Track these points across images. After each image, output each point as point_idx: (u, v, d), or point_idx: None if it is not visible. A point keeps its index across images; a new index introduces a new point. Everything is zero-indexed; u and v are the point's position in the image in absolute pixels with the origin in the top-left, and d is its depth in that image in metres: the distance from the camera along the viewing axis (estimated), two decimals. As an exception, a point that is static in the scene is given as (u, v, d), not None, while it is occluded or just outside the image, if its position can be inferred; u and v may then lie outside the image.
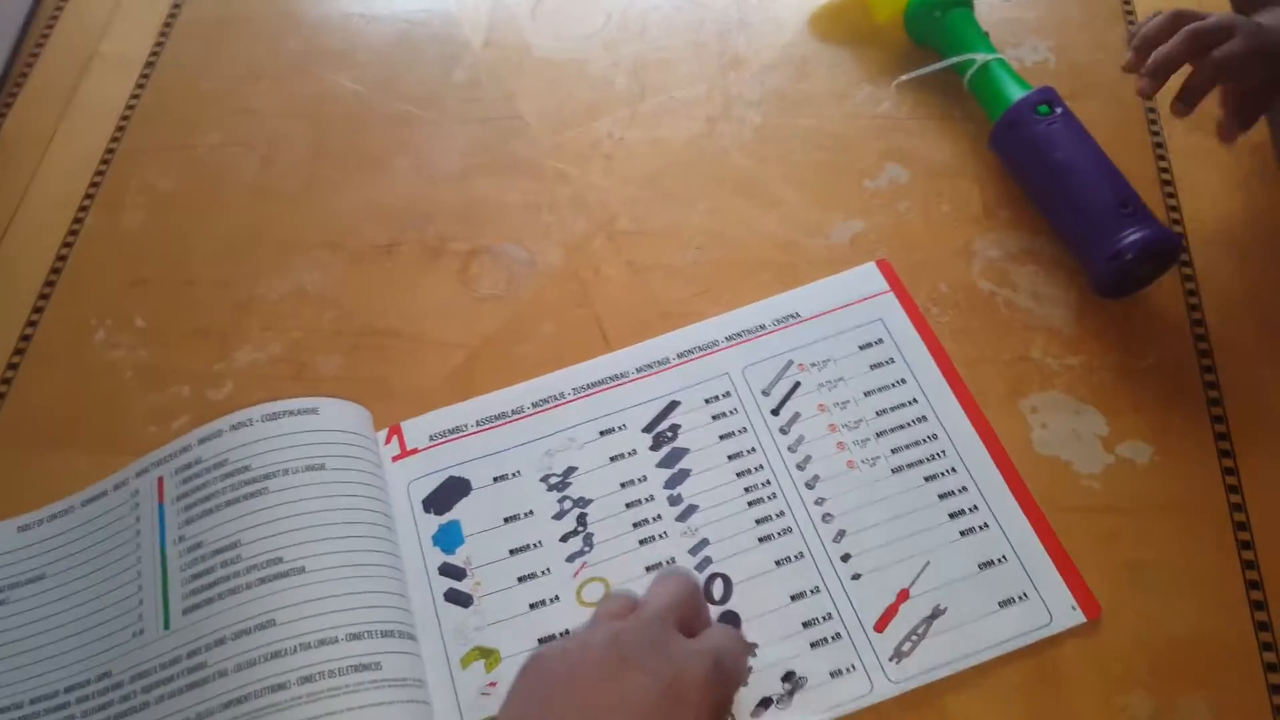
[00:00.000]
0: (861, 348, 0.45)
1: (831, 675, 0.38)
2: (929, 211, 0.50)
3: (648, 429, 0.44)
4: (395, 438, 0.44)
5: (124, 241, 0.53)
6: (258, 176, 0.54)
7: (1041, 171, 0.47)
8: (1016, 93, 0.48)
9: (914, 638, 0.39)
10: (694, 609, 0.35)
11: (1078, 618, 0.39)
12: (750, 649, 0.35)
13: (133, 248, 0.52)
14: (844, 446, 0.43)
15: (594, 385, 0.46)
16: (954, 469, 0.42)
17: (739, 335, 0.46)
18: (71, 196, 0.54)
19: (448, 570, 0.41)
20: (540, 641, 0.39)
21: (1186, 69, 0.45)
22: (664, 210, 0.51)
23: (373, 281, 0.50)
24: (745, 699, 0.38)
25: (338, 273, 0.50)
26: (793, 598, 0.40)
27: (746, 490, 0.42)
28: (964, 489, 0.42)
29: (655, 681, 0.30)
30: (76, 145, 0.56)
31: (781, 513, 0.42)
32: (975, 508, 0.41)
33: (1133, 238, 0.43)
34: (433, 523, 0.42)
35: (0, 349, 0.49)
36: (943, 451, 0.43)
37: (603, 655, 0.31)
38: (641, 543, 0.41)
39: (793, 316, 0.47)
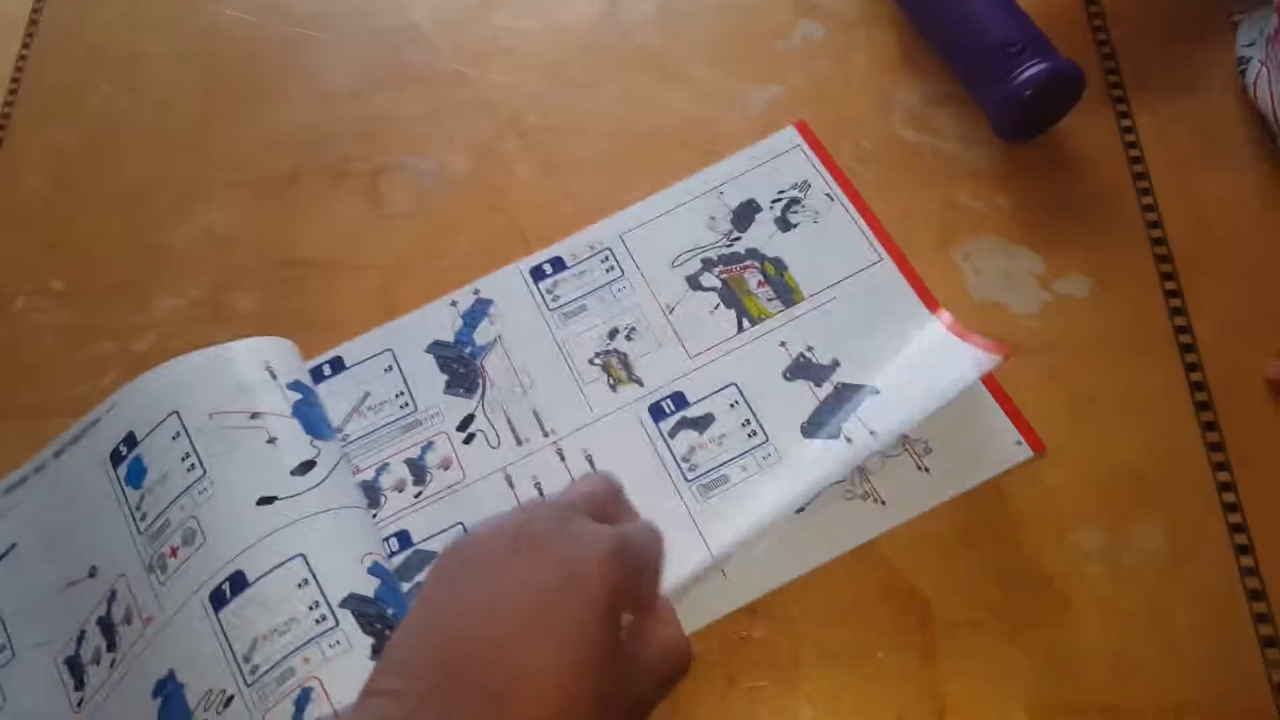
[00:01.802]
0: (787, 215, 0.43)
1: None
2: (846, 67, 0.47)
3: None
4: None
5: (31, 205, 0.50)
6: (154, 122, 0.51)
7: (931, 15, 0.44)
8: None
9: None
10: (612, 506, 0.34)
11: (1024, 453, 0.37)
12: (661, 540, 0.33)
13: (40, 210, 0.50)
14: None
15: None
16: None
17: (660, 219, 0.44)
18: (-28, 167, 0.52)
19: None
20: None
21: None
22: (571, 101, 0.48)
23: (281, 213, 0.48)
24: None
25: (245, 209, 0.48)
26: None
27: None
28: (900, 344, 0.40)
29: (554, 562, 0.29)
30: (-30, 114, 0.54)
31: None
32: (914, 361, 0.40)
33: (1024, 76, 0.40)
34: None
35: (-81, 330, 0.48)
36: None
37: (508, 541, 0.30)
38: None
39: (715, 193, 0.44)
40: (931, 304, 0.41)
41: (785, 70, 0.47)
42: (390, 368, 0.43)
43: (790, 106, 0.46)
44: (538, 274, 0.44)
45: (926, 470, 0.38)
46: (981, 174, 0.43)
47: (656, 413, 0.40)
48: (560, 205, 0.46)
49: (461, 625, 0.28)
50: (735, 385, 0.40)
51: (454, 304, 0.44)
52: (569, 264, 0.44)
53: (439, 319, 0.43)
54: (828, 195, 0.43)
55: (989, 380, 0.39)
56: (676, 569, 0.37)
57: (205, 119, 0.51)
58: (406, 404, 0.42)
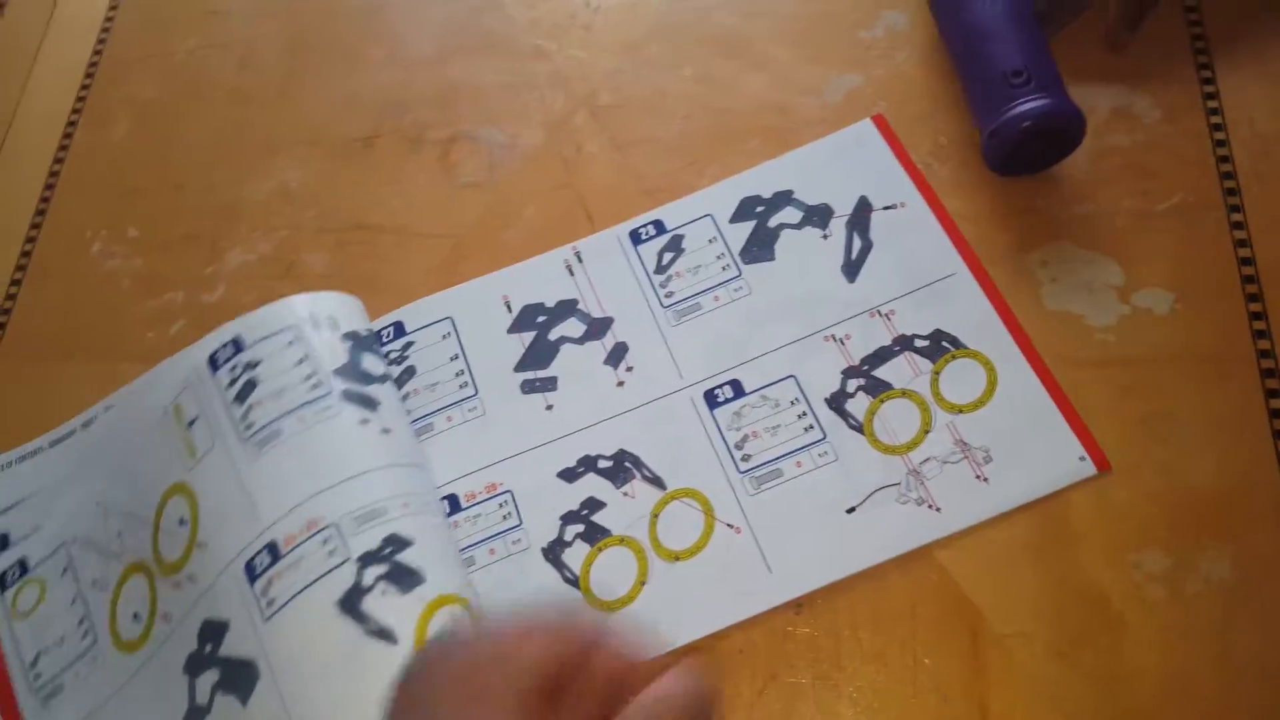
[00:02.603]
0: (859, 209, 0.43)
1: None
2: (929, 60, 0.46)
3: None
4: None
5: (112, 153, 0.52)
6: (235, 78, 0.52)
7: (953, 31, 0.43)
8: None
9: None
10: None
11: (1087, 469, 0.36)
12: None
13: (121, 158, 0.51)
14: None
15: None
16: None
17: (727, 208, 0.44)
18: (59, 113, 0.53)
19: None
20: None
21: None
22: (646, 80, 0.48)
23: (354, 176, 0.48)
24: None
25: (319, 169, 0.49)
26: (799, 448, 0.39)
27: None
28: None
29: None
30: (60, 61, 0.55)
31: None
32: (979, 367, 0.39)
33: (1017, 110, 0.38)
34: None
35: (3, 265, 0.49)
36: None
37: None
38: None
39: (784, 183, 0.44)
40: (1021, 339, 0.39)
41: (865, 60, 0.46)
42: (448, 335, 0.43)
43: (869, 97, 0.45)
44: (635, 237, 0.44)
45: (985, 480, 0.37)
46: (1065, 179, 0.42)
47: (710, 399, 0.40)
48: (626, 185, 0.46)
49: None
50: (794, 378, 0.40)
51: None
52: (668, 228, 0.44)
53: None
54: (900, 204, 0.42)
55: (1055, 391, 0.38)
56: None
57: (285, 77, 0.51)
58: (462, 373, 0.42)
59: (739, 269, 0.42)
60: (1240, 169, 0.41)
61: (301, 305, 0.39)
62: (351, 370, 0.38)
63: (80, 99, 0.54)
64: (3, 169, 0.52)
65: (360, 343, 0.40)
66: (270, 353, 0.38)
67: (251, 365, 0.37)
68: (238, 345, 0.38)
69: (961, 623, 0.35)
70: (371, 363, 0.40)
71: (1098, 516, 0.36)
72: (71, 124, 0.53)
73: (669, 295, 0.42)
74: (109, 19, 0.56)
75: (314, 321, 0.39)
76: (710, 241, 0.43)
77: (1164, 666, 0.34)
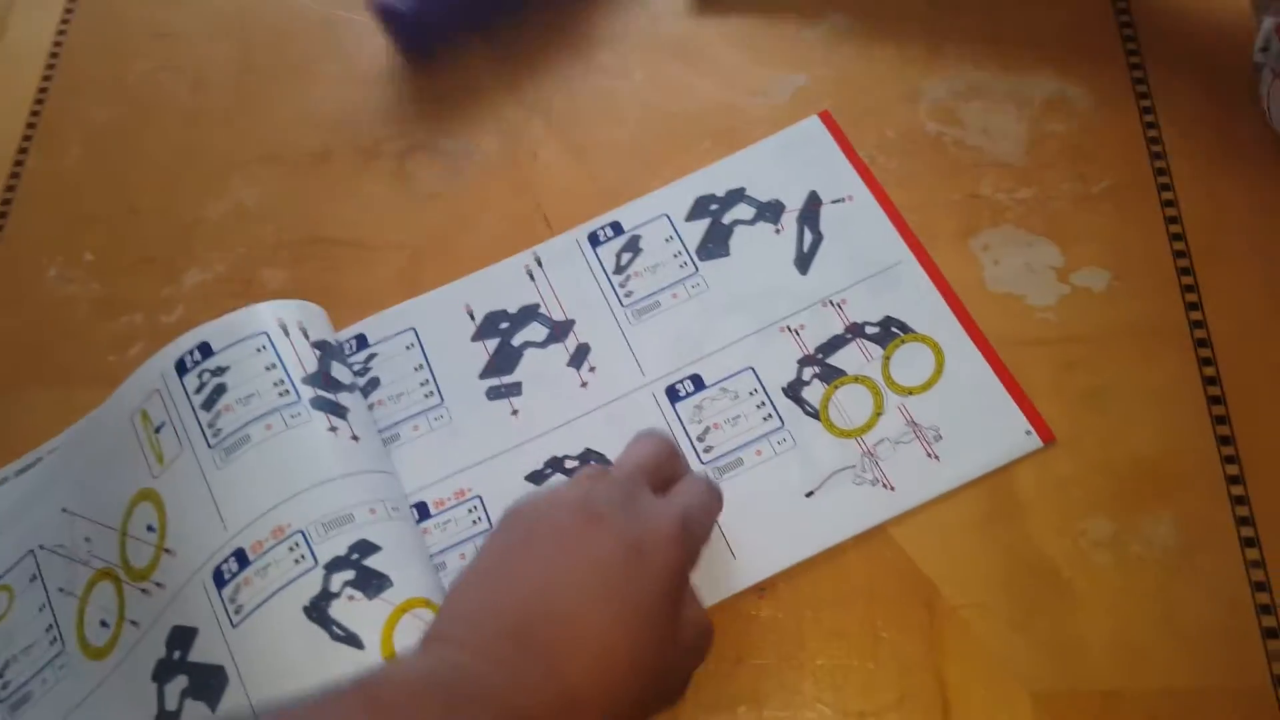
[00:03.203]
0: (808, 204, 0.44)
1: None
2: (872, 57, 0.48)
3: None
4: None
5: (66, 178, 0.52)
6: (189, 99, 0.53)
7: None
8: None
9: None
10: (668, 467, 0.35)
11: (1033, 443, 0.38)
12: (720, 500, 0.36)
13: (75, 183, 0.52)
14: None
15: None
16: None
17: (682, 207, 0.45)
18: (9, 139, 0.54)
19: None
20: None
21: None
22: (597, 85, 0.49)
23: (311, 191, 0.49)
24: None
25: (276, 186, 0.50)
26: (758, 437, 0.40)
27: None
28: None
29: (619, 540, 0.30)
30: (8, 88, 0.55)
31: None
32: (927, 351, 0.41)
33: None
34: None
35: (-43, 297, 0.50)
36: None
37: (572, 513, 0.31)
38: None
39: (737, 181, 0.45)
40: (966, 321, 0.41)
41: (809, 59, 0.48)
42: (411, 345, 0.44)
43: (815, 96, 0.47)
44: (594, 240, 0.45)
45: (936, 458, 0.39)
46: (1005, 166, 0.44)
47: (672, 394, 0.41)
48: (582, 188, 0.47)
49: (526, 593, 0.30)
50: (753, 369, 0.41)
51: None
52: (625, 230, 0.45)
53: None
54: (848, 197, 0.44)
55: (1000, 369, 0.40)
56: None
57: (240, 96, 0.52)
58: (427, 382, 0.43)
59: (696, 266, 0.44)
60: (1170, 149, 0.43)
61: (269, 312, 0.40)
62: (320, 378, 0.39)
63: (31, 125, 0.54)
64: (-45, 198, 0.53)
65: (329, 351, 0.41)
66: (239, 359, 0.38)
67: (220, 371, 0.38)
68: (205, 351, 0.39)
69: (917, 597, 0.37)
70: (340, 371, 0.41)
71: (1044, 489, 0.38)
72: (23, 150, 0.53)
73: (629, 295, 0.44)
74: (58, 44, 0.56)
75: (283, 328, 0.40)
76: (667, 240, 0.45)
77: (1114, 629, 0.36)
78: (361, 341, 0.44)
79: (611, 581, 0.29)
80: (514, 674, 0.28)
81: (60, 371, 0.47)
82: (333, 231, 0.48)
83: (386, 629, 0.34)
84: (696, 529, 0.33)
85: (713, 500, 0.35)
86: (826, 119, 0.46)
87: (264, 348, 0.39)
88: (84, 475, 0.41)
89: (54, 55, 0.56)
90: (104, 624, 0.38)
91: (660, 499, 0.33)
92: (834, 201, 0.44)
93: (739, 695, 0.37)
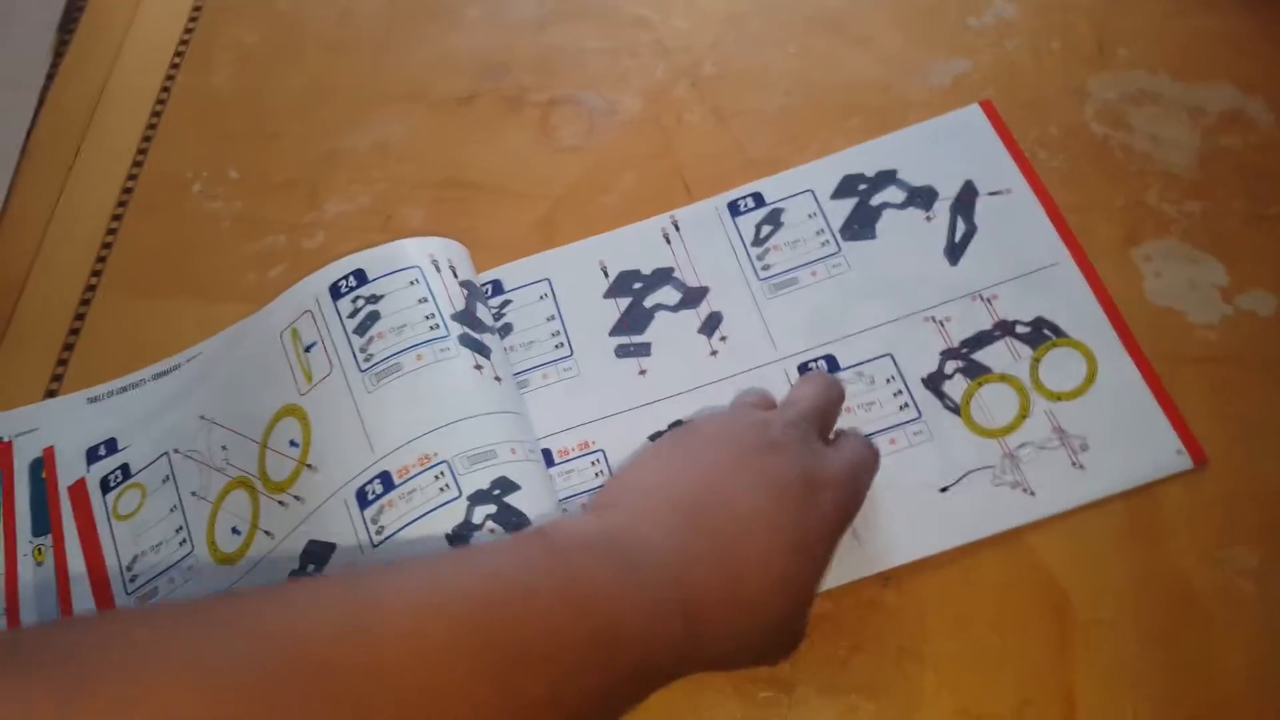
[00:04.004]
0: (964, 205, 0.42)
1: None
2: (1038, 50, 0.45)
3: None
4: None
5: (214, 97, 0.52)
6: (336, 30, 0.52)
7: None
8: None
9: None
10: (832, 414, 0.35)
11: (1184, 463, 0.36)
12: (878, 462, 0.35)
13: (223, 102, 0.52)
14: None
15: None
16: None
17: (829, 184, 0.44)
18: (163, 54, 0.54)
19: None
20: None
21: None
22: (749, 53, 0.48)
23: (453, 133, 0.48)
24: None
25: (419, 125, 0.49)
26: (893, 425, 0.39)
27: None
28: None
29: (797, 467, 0.30)
30: (165, 4, 0.55)
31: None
32: (1078, 357, 0.39)
33: None
34: None
35: (104, 202, 0.50)
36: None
37: (753, 431, 0.31)
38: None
39: (889, 163, 0.44)
40: (1124, 333, 0.39)
41: (974, 46, 0.46)
42: (545, 296, 0.43)
43: (976, 84, 0.45)
44: (734, 209, 0.44)
45: (1081, 467, 0.37)
46: (1174, 177, 0.42)
47: (805, 372, 0.40)
48: (726, 157, 0.46)
49: (702, 481, 0.30)
50: (891, 357, 0.40)
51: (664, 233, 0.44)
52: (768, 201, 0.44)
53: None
54: (1006, 190, 0.42)
55: (1154, 383, 0.38)
56: None
57: (386, 31, 0.52)
58: (558, 334, 0.42)
59: (838, 245, 0.42)
60: (1351, 176, 0.41)
61: (422, 247, 0.40)
62: (468, 316, 0.39)
63: (184, 41, 0.54)
64: (106, 107, 0.53)
65: (474, 291, 0.40)
66: (393, 289, 0.38)
67: (374, 299, 0.38)
68: (360, 278, 0.38)
69: (1048, 606, 0.36)
70: (484, 312, 0.40)
71: (1189, 511, 0.36)
72: (174, 66, 0.53)
73: (766, 268, 0.42)
74: (212, -36, 0.56)
75: (435, 264, 0.39)
76: (810, 217, 0.43)
77: (1250, 663, 0.34)
78: (497, 287, 0.44)
79: (785, 501, 0.29)
80: (684, 547, 0.28)
81: (201, 285, 0.47)
82: (473, 176, 0.47)
83: None
84: (861, 484, 0.33)
85: (874, 459, 0.35)
86: (988, 108, 0.44)
87: (417, 280, 0.38)
88: (225, 385, 0.41)
89: (208, -25, 0.56)
90: (235, 531, 0.38)
91: (831, 446, 0.33)
92: (991, 194, 0.42)
93: (855, 682, 0.36)
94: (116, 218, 0.50)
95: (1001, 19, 0.46)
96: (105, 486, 0.41)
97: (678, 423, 0.40)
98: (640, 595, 0.26)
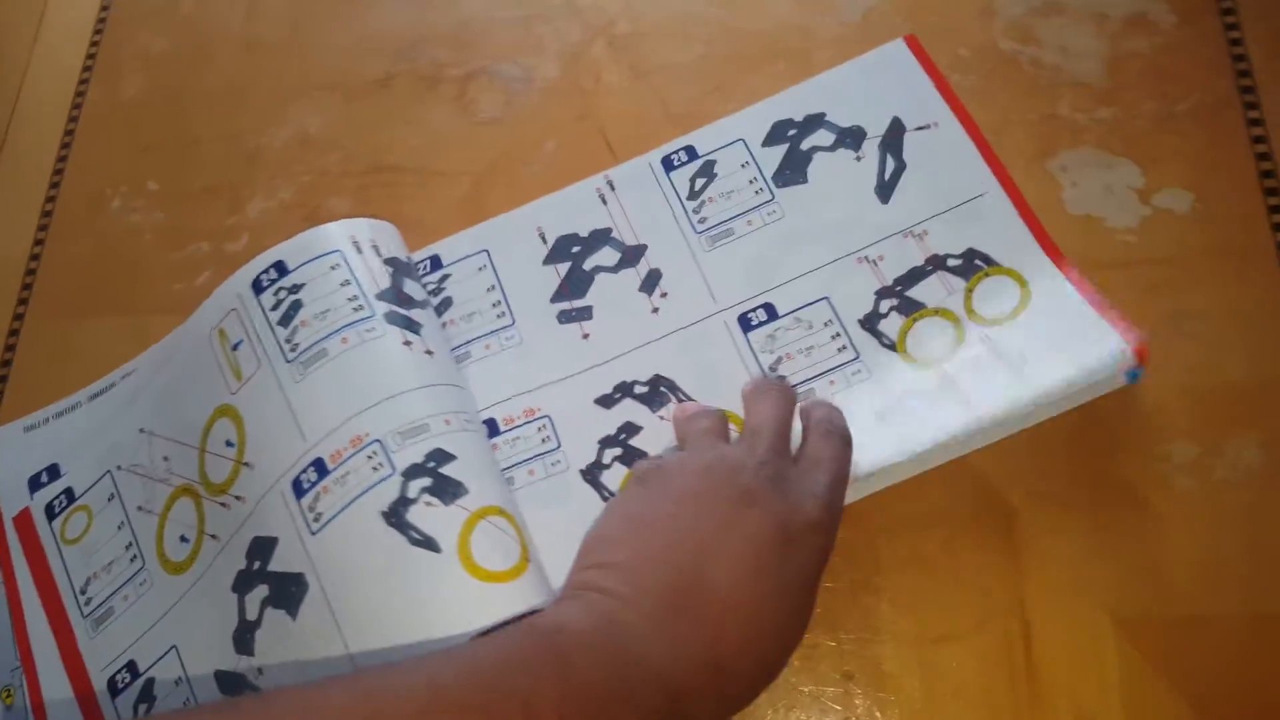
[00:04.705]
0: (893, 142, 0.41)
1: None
2: (943, -26, 0.45)
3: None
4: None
5: (126, 108, 0.50)
6: (244, 27, 0.51)
7: None
8: None
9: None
10: (791, 423, 0.35)
11: (1127, 361, 0.36)
12: (850, 446, 0.35)
13: (136, 113, 0.50)
14: None
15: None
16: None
17: (759, 132, 0.43)
18: (70, 72, 0.52)
19: None
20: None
21: None
22: (663, 6, 0.47)
23: (373, 118, 0.47)
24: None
25: (337, 113, 0.48)
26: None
27: None
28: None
29: (773, 521, 0.30)
30: (69, 21, 0.53)
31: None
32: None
33: None
34: None
35: (24, 226, 0.48)
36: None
37: (726, 485, 0.31)
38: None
39: (817, 106, 0.43)
40: (1053, 253, 0.38)
41: (880, -22, 0.45)
42: (483, 267, 0.42)
43: (887, 14, 0.44)
44: (668, 164, 0.43)
45: (1022, 377, 0.36)
46: (1084, 86, 0.41)
47: (745, 323, 0.40)
48: (648, 115, 0.45)
49: (681, 559, 0.30)
50: (828, 300, 0.39)
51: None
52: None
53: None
54: (934, 124, 0.41)
55: (1088, 293, 0.37)
56: None
57: (295, 22, 0.50)
58: (499, 304, 0.42)
59: (772, 193, 0.42)
60: (1256, 66, 0.40)
61: (342, 230, 0.39)
62: (394, 294, 0.38)
63: (90, 56, 0.52)
64: (18, 130, 0.51)
65: (400, 268, 0.39)
66: (314, 275, 0.37)
67: (295, 288, 0.37)
68: (281, 269, 0.37)
69: (997, 523, 0.36)
70: (412, 288, 0.39)
71: (1127, 413, 0.36)
72: (84, 82, 0.52)
73: (702, 221, 0.42)
74: (111, -26, 0.54)
75: (355, 245, 0.38)
76: (743, 166, 0.42)
77: (1198, 554, 0.34)
78: (435, 262, 0.42)
79: (764, 562, 0.29)
80: (673, 643, 0.28)
81: (128, 300, 0.46)
82: (395, 159, 0.46)
83: (463, 533, 0.33)
84: (839, 502, 0.33)
85: (845, 452, 0.34)
86: (912, 43, 0.43)
87: (338, 265, 0.37)
88: (161, 396, 0.40)
89: (109, -15, 0.54)
90: (184, 539, 0.37)
91: (803, 471, 0.33)
92: (918, 129, 0.41)
93: (814, 620, 0.35)
94: (39, 242, 0.48)
95: (904, -52, 0.46)
96: (50, 513, 0.40)
97: (622, 385, 0.39)
98: (631, 703, 0.27)
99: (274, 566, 0.34)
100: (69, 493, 0.40)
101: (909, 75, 0.42)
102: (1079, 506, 0.35)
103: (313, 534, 0.34)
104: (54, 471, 0.41)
